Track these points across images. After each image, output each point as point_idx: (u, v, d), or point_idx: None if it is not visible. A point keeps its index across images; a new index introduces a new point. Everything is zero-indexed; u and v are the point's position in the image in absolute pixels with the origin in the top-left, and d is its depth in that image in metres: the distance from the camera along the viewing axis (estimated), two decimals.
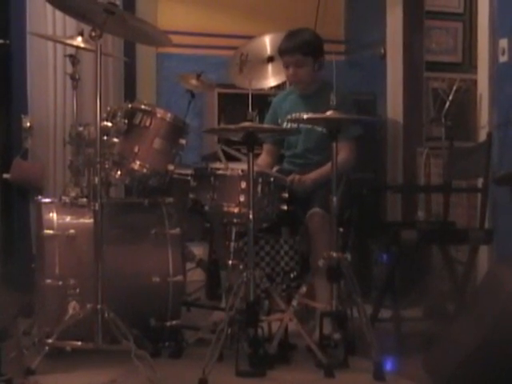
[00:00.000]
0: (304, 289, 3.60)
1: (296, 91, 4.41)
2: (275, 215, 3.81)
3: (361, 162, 4.29)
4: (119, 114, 3.71)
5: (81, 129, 3.89)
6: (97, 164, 3.38)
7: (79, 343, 3.37)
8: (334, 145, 3.59)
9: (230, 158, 4.05)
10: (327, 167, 3.92)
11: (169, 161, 3.81)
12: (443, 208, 4.50)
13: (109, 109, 3.79)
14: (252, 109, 3.51)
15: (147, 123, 3.75)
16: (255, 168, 3.57)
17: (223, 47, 5.84)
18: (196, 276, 4.82)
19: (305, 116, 4.07)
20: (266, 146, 4.42)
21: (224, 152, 3.99)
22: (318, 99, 4.15)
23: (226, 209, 3.72)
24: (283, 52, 4.29)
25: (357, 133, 4.17)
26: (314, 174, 4.09)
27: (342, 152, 4.01)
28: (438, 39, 6.36)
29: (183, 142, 3.86)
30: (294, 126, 4.20)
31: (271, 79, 5.00)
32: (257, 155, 3.98)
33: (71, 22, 5.19)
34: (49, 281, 3.54)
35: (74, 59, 4.21)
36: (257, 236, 3.77)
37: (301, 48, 4.21)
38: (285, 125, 4.25)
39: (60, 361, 3.43)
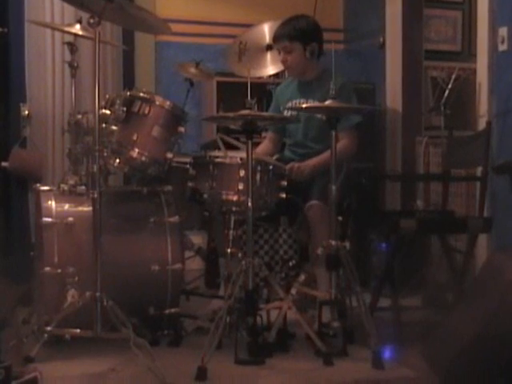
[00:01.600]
0: (303, 277, 3.60)
1: (295, 79, 4.41)
2: (274, 204, 3.81)
3: (360, 151, 4.29)
4: (118, 101, 3.71)
5: (79, 117, 3.89)
6: (95, 152, 3.37)
7: (78, 331, 3.37)
8: (334, 133, 3.58)
9: (229, 147, 4.04)
10: (326, 154, 3.92)
11: (168, 149, 3.80)
12: (442, 197, 4.50)
13: (107, 97, 3.78)
14: (251, 97, 3.50)
15: (146, 111, 3.74)
16: (253, 156, 3.56)
17: (222, 36, 5.84)
18: (195, 264, 4.81)
19: (304, 105, 4.08)
20: (268, 134, 4.46)
21: (223, 141, 3.98)
22: (318, 86, 4.16)
23: (224, 197, 3.71)
24: (273, 39, 4.37)
25: (356, 121, 4.17)
26: (313, 161, 4.10)
27: (342, 140, 4.01)
28: (437, 28, 6.36)
29: (182, 130, 3.85)
30: (294, 113, 4.21)
31: (270, 67, 4.98)
32: (256, 144, 3.98)
33: (69, 10, 5.20)
34: (48, 269, 3.54)
35: (72, 47, 4.19)
36: (256, 224, 3.77)
37: (287, 34, 4.24)
38: (285, 112, 4.26)
39: (59, 349, 3.44)
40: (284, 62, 4.29)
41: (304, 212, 3.99)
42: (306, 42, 4.22)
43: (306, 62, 4.26)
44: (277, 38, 4.29)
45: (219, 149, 3.91)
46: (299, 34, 4.23)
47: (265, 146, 4.43)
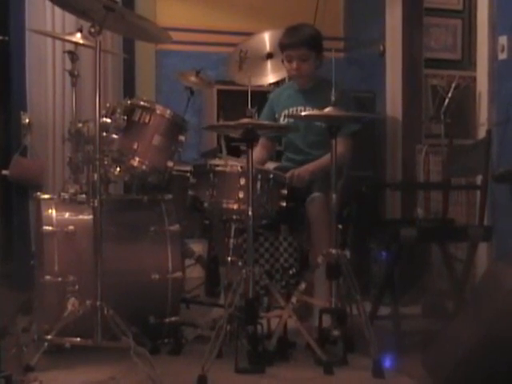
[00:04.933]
0: (303, 286, 3.60)
1: (293, 86, 4.42)
2: (274, 212, 3.81)
3: (360, 160, 4.29)
4: (118, 110, 3.71)
5: (80, 125, 3.89)
6: (96, 161, 3.37)
7: (78, 340, 3.36)
8: (333, 141, 3.59)
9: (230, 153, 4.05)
10: (324, 159, 4.01)
11: (168, 157, 3.81)
12: (442, 205, 4.49)
13: (108, 105, 3.78)
14: (251, 105, 3.50)
15: (146, 120, 3.75)
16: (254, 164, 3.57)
17: (222, 44, 5.85)
18: (195, 273, 4.82)
19: (303, 113, 4.08)
20: (261, 141, 4.41)
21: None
22: (316, 95, 4.18)
23: (225, 205, 3.72)
24: (287, 46, 4.28)
25: (354, 129, 4.18)
26: (310, 166, 4.12)
27: (339, 147, 4.00)
28: (437, 36, 6.36)
29: (182, 138, 3.85)
30: (291, 121, 4.21)
31: (270, 76, 4.99)
32: None
33: (70, 19, 5.20)
34: (48, 277, 3.54)
35: (73, 56, 4.21)
36: (256, 233, 3.76)
37: (306, 42, 4.23)
38: (282, 120, 4.27)
39: (59, 357, 3.43)
40: (298, 69, 4.25)
41: (305, 207, 4.00)
42: (319, 51, 4.24)
43: (314, 71, 4.27)
44: (294, 44, 4.24)
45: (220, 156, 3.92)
46: (315, 42, 4.25)
47: (258, 152, 4.37)
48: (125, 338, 3.26)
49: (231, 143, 4.88)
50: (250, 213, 3.47)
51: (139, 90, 5.75)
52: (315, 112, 3.83)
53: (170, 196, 3.92)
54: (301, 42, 4.22)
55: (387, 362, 3.48)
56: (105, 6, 3.39)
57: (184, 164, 4.12)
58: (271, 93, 4.60)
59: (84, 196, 3.73)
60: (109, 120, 3.68)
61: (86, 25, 3.48)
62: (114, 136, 3.68)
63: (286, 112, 4.30)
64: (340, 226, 3.88)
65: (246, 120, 3.48)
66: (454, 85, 5.54)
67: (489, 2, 4.53)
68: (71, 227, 3.64)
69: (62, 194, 3.78)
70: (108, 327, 3.28)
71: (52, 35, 5.24)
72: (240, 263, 3.74)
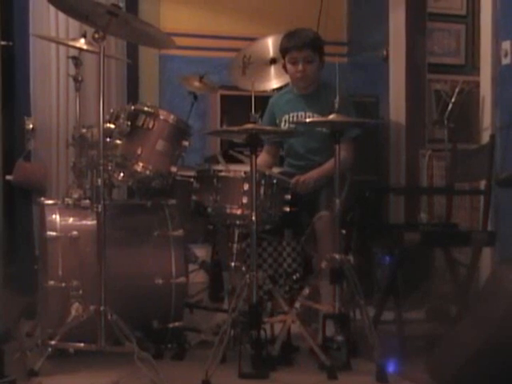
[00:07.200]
0: (307, 290, 3.60)
1: (293, 91, 4.41)
2: (278, 217, 3.81)
3: (363, 164, 4.29)
4: (122, 115, 3.72)
5: (84, 130, 3.90)
6: (100, 166, 3.39)
7: (82, 345, 3.37)
8: (337, 147, 3.59)
9: (232, 160, 4.05)
10: (328, 165, 4.00)
11: (172, 162, 3.81)
12: (446, 210, 4.50)
13: (112, 110, 3.79)
14: (255, 111, 3.51)
15: (150, 125, 3.75)
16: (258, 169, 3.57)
17: (226, 49, 5.85)
18: (199, 278, 4.81)
19: (307, 119, 4.08)
20: (265, 147, 4.42)
21: (226, 155, 3.99)
22: (317, 99, 4.18)
23: (228, 210, 3.72)
24: (292, 48, 4.25)
25: (355, 134, 4.18)
26: (315, 173, 4.10)
27: (341, 152, 4.00)
28: (440, 41, 6.36)
29: (186, 143, 3.86)
30: (292, 126, 4.21)
31: (274, 81, 4.99)
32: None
33: (74, 24, 5.22)
34: (52, 282, 3.55)
35: (76, 61, 4.20)
36: (259, 238, 3.77)
37: (310, 44, 4.22)
38: (282, 125, 4.26)
39: (63, 362, 3.44)
40: (304, 71, 4.22)
41: (312, 223, 3.99)
42: (321, 54, 4.25)
43: (317, 75, 4.27)
44: (298, 46, 4.21)
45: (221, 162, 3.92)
46: (318, 45, 4.26)
47: (263, 159, 4.37)
48: (128, 342, 3.27)
49: (229, 150, 4.87)
50: (253, 218, 3.47)
51: (143, 95, 5.76)
52: (320, 118, 3.83)
53: (173, 201, 3.92)
54: (305, 44, 4.21)
55: (391, 367, 3.48)
56: (108, 12, 3.40)
57: (188, 169, 4.12)
58: (271, 98, 4.60)
59: (88, 201, 3.73)
60: (112, 125, 3.69)
61: (90, 30, 3.49)
62: (118, 141, 3.69)
63: (287, 117, 4.30)
64: (343, 231, 3.88)
65: (249, 125, 3.48)
66: (457, 89, 5.56)
67: (492, 6, 4.54)
68: (75, 232, 3.64)
69: (66, 199, 3.78)
70: (112, 332, 3.28)
71: (56, 41, 5.25)
72: (243, 268, 3.75)
